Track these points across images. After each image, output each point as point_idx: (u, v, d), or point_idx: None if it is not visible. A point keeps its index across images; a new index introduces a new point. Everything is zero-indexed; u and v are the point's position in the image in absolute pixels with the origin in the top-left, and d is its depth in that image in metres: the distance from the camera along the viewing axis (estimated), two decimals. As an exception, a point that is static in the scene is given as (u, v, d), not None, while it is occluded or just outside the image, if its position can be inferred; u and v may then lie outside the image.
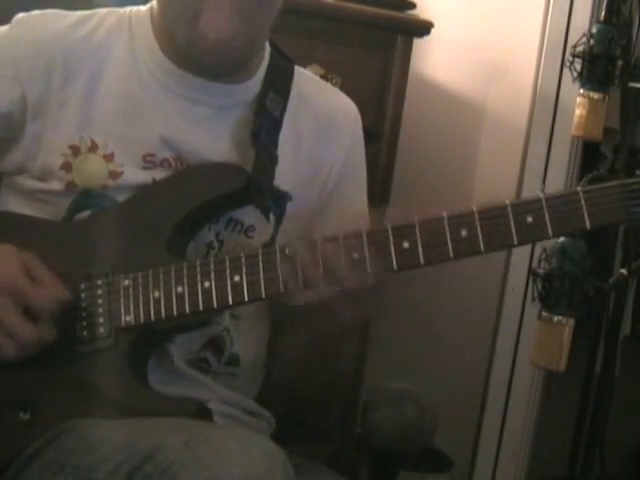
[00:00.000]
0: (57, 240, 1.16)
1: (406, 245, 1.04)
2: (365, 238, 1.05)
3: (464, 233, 1.02)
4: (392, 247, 1.04)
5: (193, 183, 1.18)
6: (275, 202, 1.21)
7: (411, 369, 2.40)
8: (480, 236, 1.02)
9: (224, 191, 1.17)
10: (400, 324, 2.48)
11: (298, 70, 1.32)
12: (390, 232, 1.05)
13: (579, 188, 1.01)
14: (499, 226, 1.02)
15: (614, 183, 1.01)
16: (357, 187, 1.34)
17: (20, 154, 1.19)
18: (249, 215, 1.22)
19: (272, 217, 1.22)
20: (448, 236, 1.03)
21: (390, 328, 2.40)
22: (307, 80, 1.33)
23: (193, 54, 1.17)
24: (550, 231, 1.01)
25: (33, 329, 1.08)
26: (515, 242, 1.02)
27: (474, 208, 1.03)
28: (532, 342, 2.17)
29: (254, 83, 1.25)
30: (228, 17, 1.11)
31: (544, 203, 1.01)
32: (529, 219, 1.01)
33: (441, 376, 2.47)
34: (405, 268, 1.05)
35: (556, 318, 2.05)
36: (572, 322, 2.06)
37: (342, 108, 1.34)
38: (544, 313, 2.08)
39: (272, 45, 1.29)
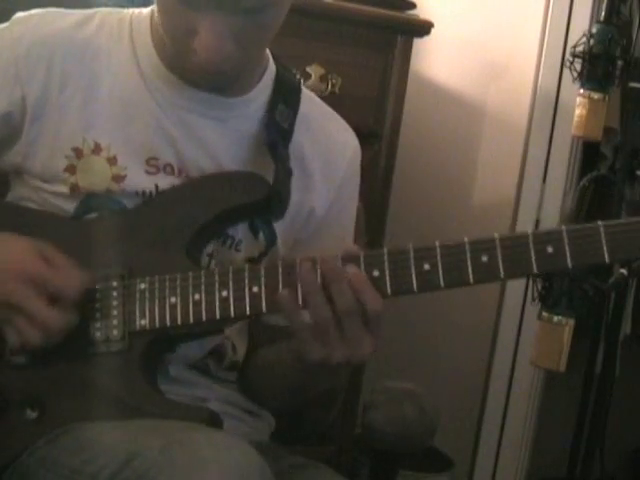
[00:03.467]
0: (71, 237, 1.15)
1: (427, 267, 1.04)
2: (386, 256, 1.05)
3: (485, 259, 1.03)
4: (413, 268, 1.04)
5: (215, 190, 1.17)
6: (263, 221, 1.20)
7: (411, 369, 2.40)
8: (500, 263, 1.03)
9: (246, 200, 1.16)
10: (400, 324, 2.48)
11: (304, 90, 1.30)
12: (411, 253, 1.04)
13: (599, 222, 1.02)
14: (520, 254, 1.03)
15: (636, 219, 1.01)
16: (342, 227, 1.31)
17: (17, 155, 1.19)
18: (238, 230, 1.21)
19: (261, 236, 1.20)
20: (469, 261, 1.03)
21: (390, 328, 2.40)
22: (312, 102, 1.31)
23: (184, 66, 1.16)
24: (569, 262, 1.02)
25: (59, 315, 1.07)
26: (535, 271, 1.03)
27: (496, 235, 1.04)
28: (532, 342, 2.18)
29: (254, 97, 1.23)
30: (222, 39, 1.08)
31: (565, 235, 1.02)
32: (549, 249, 1.02)
33: (441, 376, 2.48)
34: (425, 290, 1.05)
35: (556, 318, 2.06)
36: (572, 322, 2.06)
37: (341, 141, 1.31)
38: (544, 313, 2.08)
39: (275, 59, 1.28)
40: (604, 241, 1.01)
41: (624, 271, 1.90)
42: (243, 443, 0.99)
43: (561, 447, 2.41)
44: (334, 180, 1.28)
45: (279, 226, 1.22)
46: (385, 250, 1.05)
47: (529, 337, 2.35)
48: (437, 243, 1.04)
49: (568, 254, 1.01)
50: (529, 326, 2.41)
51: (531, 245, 1.02)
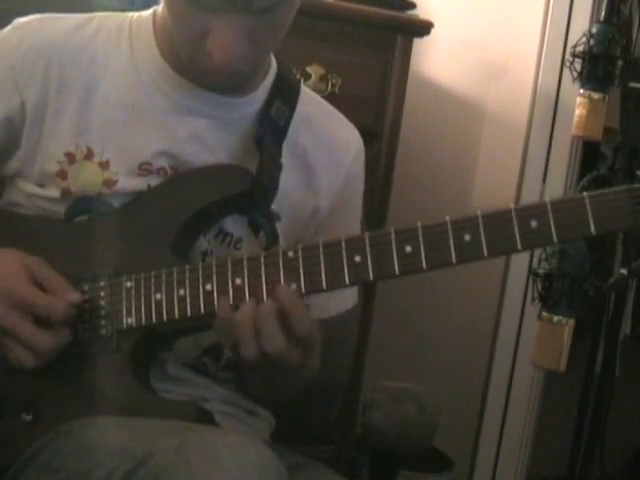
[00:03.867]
0: (60, 240, 1.16)
1: (409, 249, 1.02)
2: (367, 240, 1.04)
3: (467, 237, 1.01)
4: (394, 251, 1.03)
5: (197, 185, 1.17)
6: (264, 219, 1.19)
7: (411, 369, 2.40)
8: (483, 241, 1.00)
9: (228, 193, 1.16)
10: (400, 324, 2.48)
11: (305, 89, 1.30)
12: (393, 235, 1.03)
13: (585, 193, 0.99)
14: (503, 231, 1.00)
15: (621, 188, 0.98)
16: (347, 225, 1.30)
17: (18, 161, 1.19)
18: (238, 228, 1.21)
19: (262, 235, 1.19)
20: (451, 240, 1.01)
21: (390, 328, 2.40)
22: (314, 101, 1.31)
23: (197, 70, 1.16)
24: (554, 236, 0.99)
25: (48, 337, 1.08)
26: (519, 247, 1.00)
27: (478, 212, 1.01)
28: (532, 342, 2.17)
29: (257, 96, 1.23)
30: (237, 40, 1.07)
31: (549, 208, 0.99)
32: (533, 224, 0.99)
33: (441, 376, 2.48)
34: (407, 272, 1.03)
35: (556, 318, 2.06)
36: (572, 322, 2.06)
37: (345, 139, 1.30)
38: (544, 313, 2.08)
39: (277, 59, 1.28)
40: (590, 212, 0.98)
41: (624, 271, 1.90)
42: (258, 442, 0.99)
43: (561, 447, 2.41)
44: (338, 178, 1.28)
45: (281, 224, 1.22)
46: (366, 234, 1.04)
47: (529, 337, 2.35)
48: (419, 224, 1.03)
49: (553, 228, 0.99)
50: (529, 326, 2.41)
51: (514, 220, 0.99)
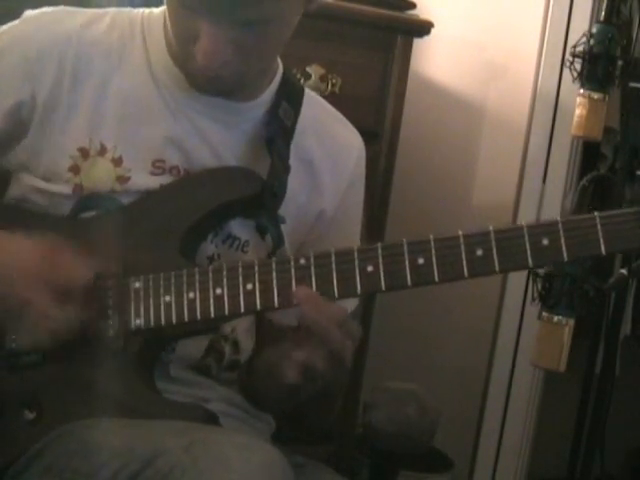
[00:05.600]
0: (66, 236, 1.14)
1: (421, 261, 1.03)
2: (380, 251, 1.05)
3: (479, 252, 1.02)
4: (407, 262, 1.04)
5: (207, 186, 1.17)
6: (270, 222, 1.20)
7: (411, 369, 2.40)
8: (495, 256, 1.02)
9: (238, 195, 1.17)
10: (400, 324, 2.48)
11: (309, 92, 1.31)
12: (405, 247, 1.04)
13: (596, 213, 1.01)
14: (514, 247, 1.02)
15: (630, 210, 1.01)
16: (349, 228, 1.31)
17: (24, 153, 1.19)
18: (245, 231, 1.21)
19: (269, 237, 1.20)
20: (463, 255, 1.02)
21: (390, 328, 2.40)
22: (317, 104, 1.32)
23: (188, 72, 1.16)
24: (565, 255, 1.01)
25: (70, 308, 1.08)
26: (530, 264, 1.02)
27: (490, 228, 1.03)
28: (532, 342, 2.17)
29: (264, 100, 1.23)
30: (219, 47, 1.08)
31: (560, 226, 1.01)
32: (545, 241, 1.01)
33: (441, 376, 2.47)
34: (419, 284, 1.04)
35: (556, 318, 2.06)
36: (572, 322, 2.06)
37: (347, 142, 1.31)
38: (544, 313, 2.08)
39: (283, 64, 1.28)
40: (600, 232, 1.00)
41: (624, 271, 1.89)
42: (265, 443, 1.00)
43: (561, 447, 2.41)
44: (342, 181, 1.29)
45: (286, 227, 1.22)
46: (379, 245, 1.05)
47: (529, 337, 2.35)
48: (431, 237, 1.04)
49: (564, 246, 1.01)
50: (529, 326, 2.41)
51: (526, 238, 1.01)
